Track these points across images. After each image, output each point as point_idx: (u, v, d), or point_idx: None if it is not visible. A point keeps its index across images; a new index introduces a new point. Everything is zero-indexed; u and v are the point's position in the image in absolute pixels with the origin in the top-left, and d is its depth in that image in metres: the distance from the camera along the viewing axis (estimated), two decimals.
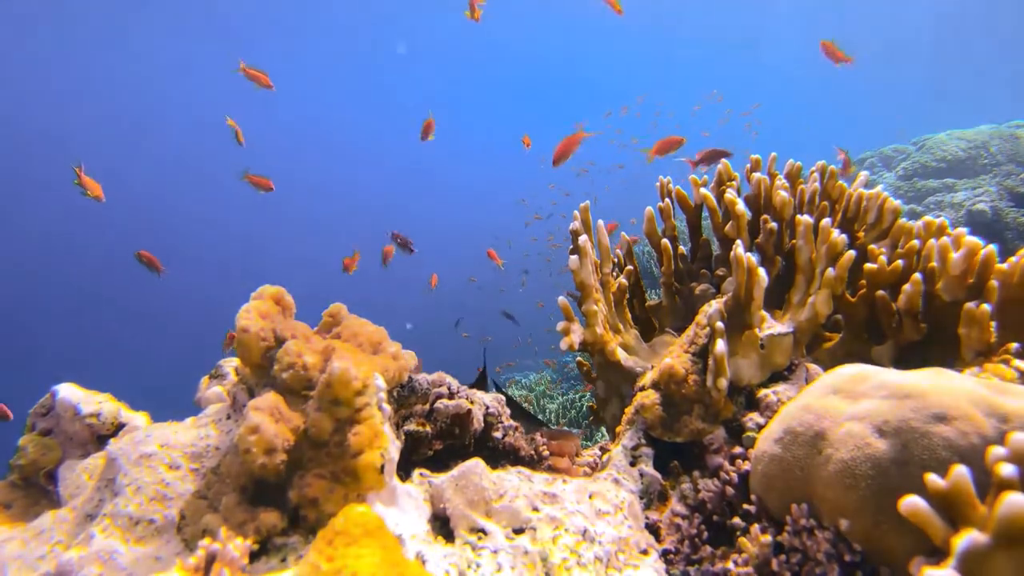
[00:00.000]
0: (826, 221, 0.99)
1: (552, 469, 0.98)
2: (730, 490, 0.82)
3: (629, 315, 1.17)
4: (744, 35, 20.44)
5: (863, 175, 1.23)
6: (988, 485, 0.51)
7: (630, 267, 1.24)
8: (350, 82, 21.05)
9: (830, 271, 0.95)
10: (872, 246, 1.08)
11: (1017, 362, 0.86)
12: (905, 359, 0.99)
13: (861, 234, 1.14)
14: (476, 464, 0.74)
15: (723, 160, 1.25)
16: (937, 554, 0.54)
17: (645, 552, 0.75)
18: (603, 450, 1.12)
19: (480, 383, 1.17)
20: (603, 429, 2.73)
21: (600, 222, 1.12)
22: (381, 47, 19.15)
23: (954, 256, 0.92)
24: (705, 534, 0.81)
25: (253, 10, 14.50)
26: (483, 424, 0.94)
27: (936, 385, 0.64)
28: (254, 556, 0.62)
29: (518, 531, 0.69)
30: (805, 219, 1.00)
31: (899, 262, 0.99)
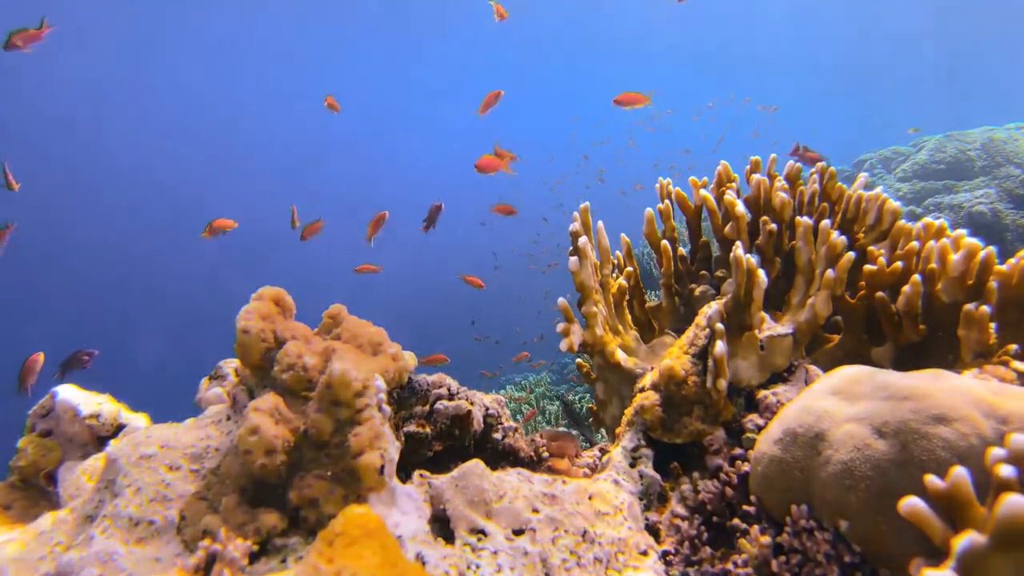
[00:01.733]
0: (826, 222, 0.99)
1: (552, 470, 0.98)
2: (730, 491, 0.82)
3: (629, 316, 1.17)
4: (745, 35, 20.47)
5: (863, 176, 1.23)
6: (987, 486, 0.51)
7: (630, 268, 1.24)
8: (353, 80, 21.07)
9: (829, 272, 0.95)
10: (872, 247, 1.09)
11: (1016, 363, 0.86)
12: (905, 360, 0.99)
13: (861, 235, 1.14)
14: (476, 465, 0.74)
15: (722, 162, 1.26)
16: (936, 555, 0.54)
17: (645, 553, 0.75)
18: (603, 451, 1.12)
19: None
20: (603, 430, 2.73)
21: (600, 223, 1.12)
22: (383, 44, 19.14)
23: (954, 258, 0.92)
24: (705, 535, 0.81)
25: (255, 9, 14.52)
26: (483, 425, 0.94)
27: (935, 386, 0.64)
28: (254, 557, 0.62)
29: (518, 532, 0.70)
30: (805, 220, 1.00)
31: (899, 263, 0.99)
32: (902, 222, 1.09)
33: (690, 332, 0.98)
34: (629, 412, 0.98)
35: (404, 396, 0.91)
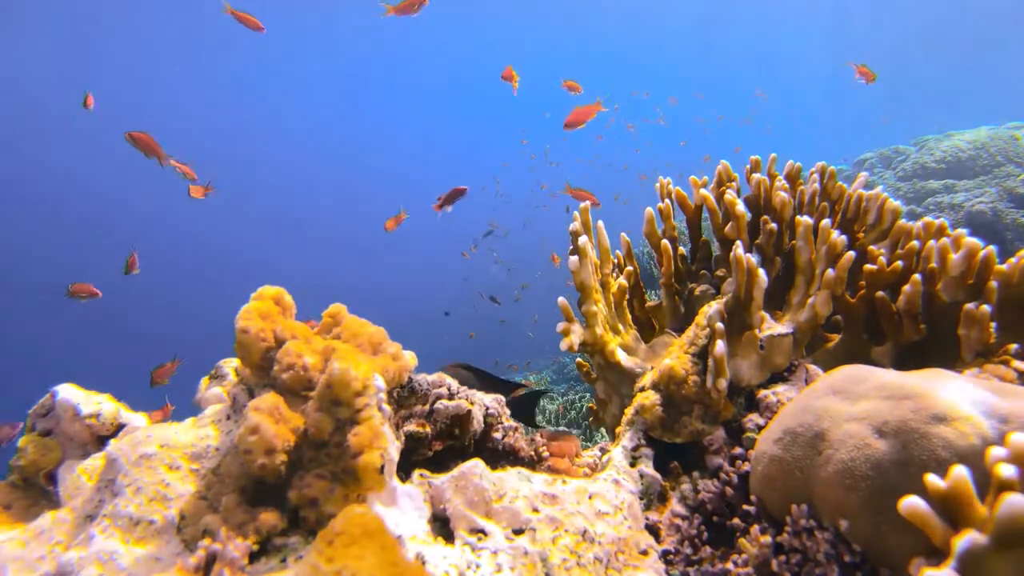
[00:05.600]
0: (826, 222, 0.99)
1: (552, 470, 0.98)
2: (730, 491, 0.82)
3: (629, 316, 1.17)
4: (747, 33, 20.47)
5: (863, 176, 1.23)
6: (988, 486, 0.51)
7: (630, 268, 1.24)
8: (349, 78, 21.05)
9: (830, 272, 0.95)
10: (872, 247, 1.08)
11: (1017, 363, 0.86)
12: (905, 360, 0.99)
13: (861, 235, 1.14)
14: (476, 465, 0.74)
15: (722, 162, 1.26)
16: (937, 555, 0.54)
17: (645, 553, 0.75)
18: (603, 451, 1.12)
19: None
20: (603, 430, 2.73)
21: (600, 223, 1.12)
22: (372, 43, 19.11)
23: (954, 257, 0.92)
24: (705, 535, 0.81)
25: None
26: (483, 425, 0.94)
27: (935, 386, 0.64)
28: (254, 557, 0.62)
29: (518, 532, 0.69)
30: (805, 220, 1.00)
31: (899, 263, 0.99)
32: (902, 221, 1.09)
33: (690, 331, 0.98)
34: (629, 411, 0.98)
35: (404, 396, 0.91)
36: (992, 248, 0.92)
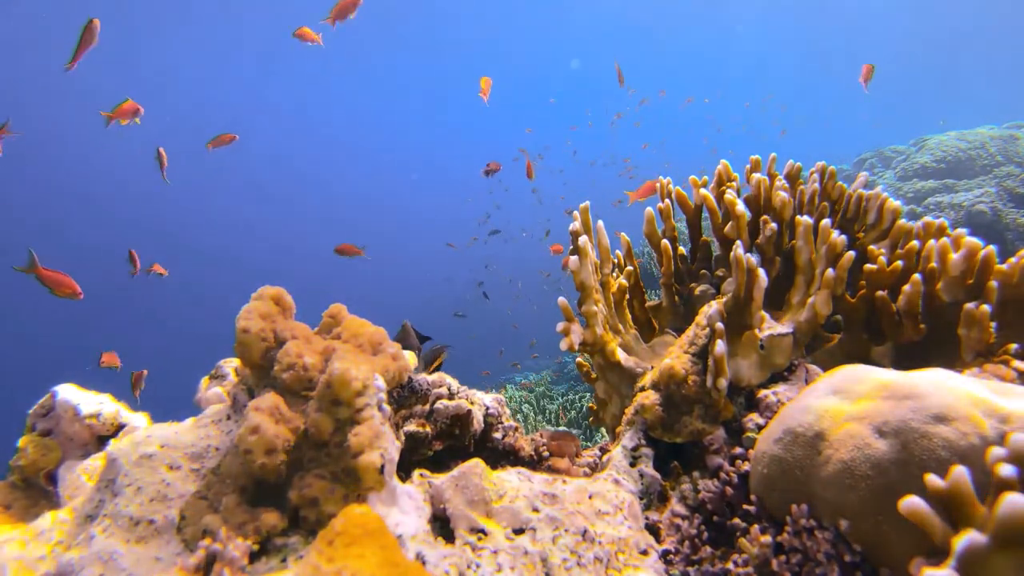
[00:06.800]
0: (826, 222, 0.99)
1: (552, 470, 0.98)
2: (730, 490, 0.82)
3: (629, 316, 1.17)
4: (744, 31, 20.49)
5: (863, 175, 1.23)
6: (988, 486, 0.51)
7: (630, 268, 1.24)
8: (349, 76, 21.06)
9: (830, 272, 0.95)
10: (872, 247, 1.08)
11: (1017, 363, 0.86)
12: (905, 360, 0.99)
13: (861, 235, 1.14)
14: (476, 464, 0.74)
15: (722, 161, 1.26)
16: (937, 554, 0.54)
17: (645, 552, 0.75)
18: (603, 451, 1.12)
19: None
20: (603, 430, 2.72)
21: (600, 223, 1.12)
22: (382, 40, 19.10)
23: (954, 257, 0.92)
24: (705, 535, 0.81)
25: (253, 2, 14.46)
26: (483, 425, 0.94)
27: (936, 386, 0.64)
28: (254, 556, 0.62)
29: (518, 531, 0.69)
30: (805, 220, 1.00)
31: (899, 263, 0.99)
32: (902, 221, 1.09)
33: (690, 331, 0.98)
34: (629, 411, 0.98)
35: (404, 395, 0.91)
36: (992, 248, 0.92)
